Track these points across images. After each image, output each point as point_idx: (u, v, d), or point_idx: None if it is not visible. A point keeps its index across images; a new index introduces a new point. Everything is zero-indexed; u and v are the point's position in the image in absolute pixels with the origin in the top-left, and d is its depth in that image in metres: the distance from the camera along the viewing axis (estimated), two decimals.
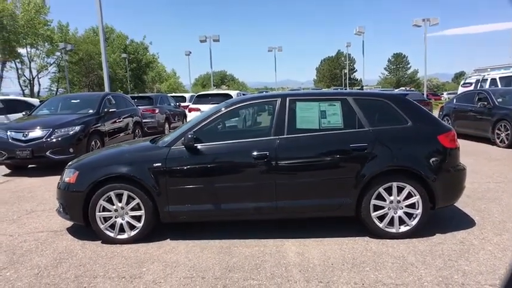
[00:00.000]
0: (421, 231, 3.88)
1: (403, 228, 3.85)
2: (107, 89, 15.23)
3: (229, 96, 13.27)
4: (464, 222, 4.28)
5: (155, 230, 4.06)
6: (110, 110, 9.22)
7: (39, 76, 43.29)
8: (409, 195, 3.80)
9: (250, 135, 4.00)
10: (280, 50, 53.57)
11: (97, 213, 3.90)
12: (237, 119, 4.36)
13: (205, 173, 3.86)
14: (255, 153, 3.78)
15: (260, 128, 4.03)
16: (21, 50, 38.24)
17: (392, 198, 3.81)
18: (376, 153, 3.79)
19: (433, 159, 3.82)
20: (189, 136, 3.79)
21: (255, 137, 3.97)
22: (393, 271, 3.18)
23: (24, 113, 9.38)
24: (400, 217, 3.84)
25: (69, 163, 4.33)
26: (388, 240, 3.81)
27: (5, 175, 7.93)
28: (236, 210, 3.90)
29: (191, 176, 3.87)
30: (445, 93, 52.53)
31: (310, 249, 3.66)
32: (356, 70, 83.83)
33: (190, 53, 50.18)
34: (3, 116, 9.78)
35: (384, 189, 3.80)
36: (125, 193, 3.87)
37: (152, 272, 3.30)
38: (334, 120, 3.94)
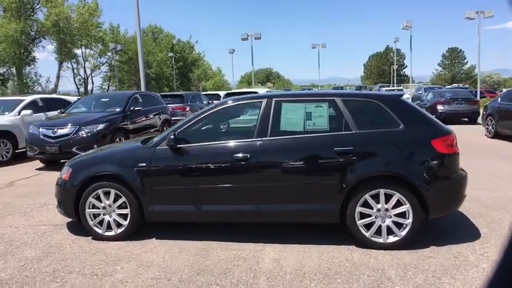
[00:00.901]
0: (415, 242, 3.62)
1: (391, 239, 3.61)
2: (142, 88, 15.82)
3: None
4: (469, 234, 3.93)
5: (145, 227, 4.13)
6: (136, 109, 9.54)
7: (93, 75, 45.94)
8: (399, 204, 3.56)
9: (234, 137, 3.94)
10: (324, 47, 52.69)
11: (87, 210, 4.04)
12: (223, 119, 4.31)
13: (187, 174, 3.86)
14: (236, 155, 3.72)
15: (245, 129, 3.97)
16: (77, 51, 40.87)
17: (379, 206, 3.58)
18: (362, 158, 3.58)
19: (426, 165, 3.54)
20: (171, 137, 3.81)
21: (239, 138, 3.90)
22: (366, 285, 2.98)
23: (58, 111, 9.96)
24: (388, 227, 3.61)
25: (68, 161, 4.52)
26: (374, 250, 3.59)
27: (38, 169, 8.48)
28: (218, 212, 3.87)
29: (174, 177, 3.90)
30: (504, 89, 48.79)
31: (288, 256, 3.54)
32: (406, 66, 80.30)
33: (234, 50, 50.95)
34: (42, 114, 10.44)
35: (371, 196, 3.58)
36: (112, 191, 3.98)
37: (125, 270, 3.36)
38: (320, 123, 3.77)
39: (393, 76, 59.74)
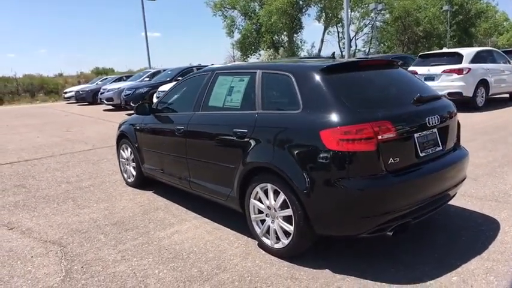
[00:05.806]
0: (315, 257, 2.86)
1: (279, 245, 2.97)
2: (346, 55, 15.66)
3: (459, 56, 10.65)
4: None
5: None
6: None
7: (356, 38, 47.15)
8: (285, 205, 2.85)
9: (184, 109, 4.03)
10: None
11: (120, 159, 5.24)
12: (187, 91, 4.27)
13: (154, 140, 4.38)
14: (177, 126, 3.91)
15: (192, 102, 3.91)
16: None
17: (268, 203, 2.99)
18: (252, 144, 3.04)
19: (308, 162, 2.64)
20: (145, 104, 4.40)
21: (185, 110, 3.99)
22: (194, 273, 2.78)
23: None
24: (275, 230, 2.97)
25: None
26: (262, 252, 3.09)
27: None
28: (173, 177, 4.17)
29: (148, 141, 4.49)
30: None
31: (190, 231, 3.57)
32: None
33: None
34: None
35: (263, 190, 3.03)
36: (128, 148, 4.97)
37: (92, 208, 4.32)
38: (236, 99, 3.37)
39: None
